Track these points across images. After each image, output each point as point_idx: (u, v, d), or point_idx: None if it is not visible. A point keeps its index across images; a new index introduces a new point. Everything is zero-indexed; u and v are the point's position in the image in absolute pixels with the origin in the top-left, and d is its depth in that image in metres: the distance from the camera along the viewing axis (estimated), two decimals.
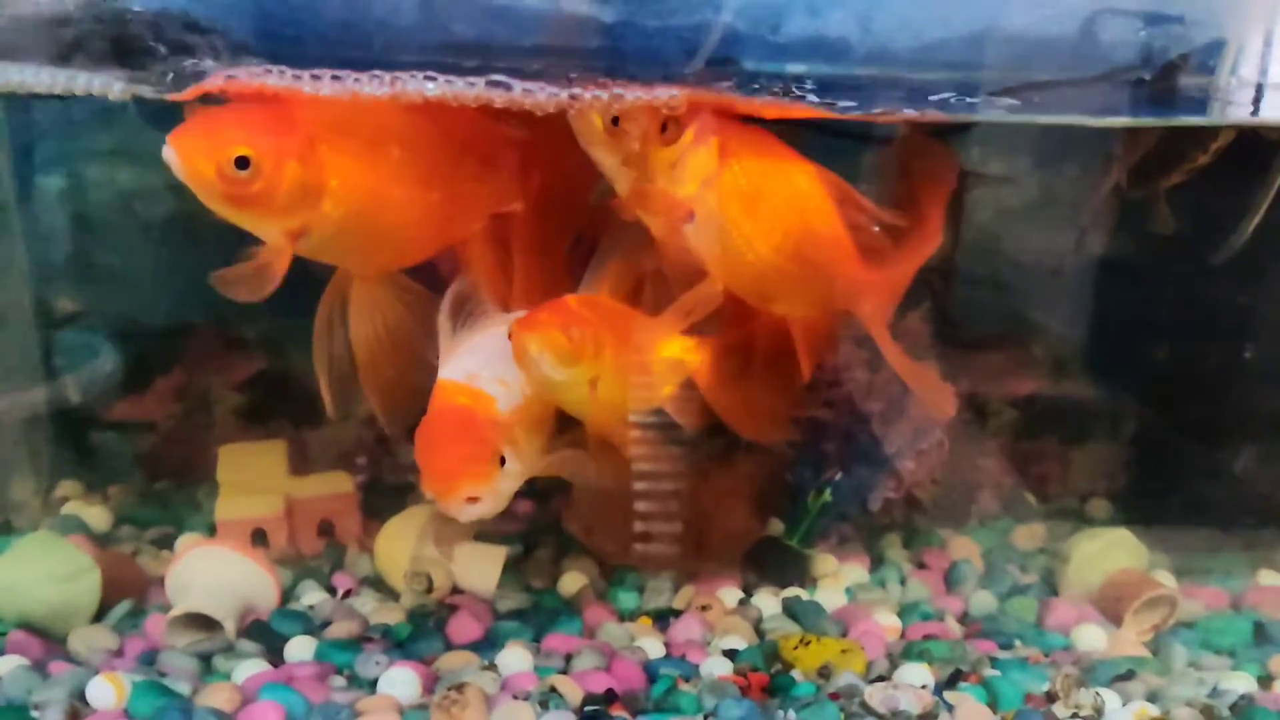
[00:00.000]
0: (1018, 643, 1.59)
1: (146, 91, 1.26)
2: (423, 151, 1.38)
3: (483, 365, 1.38)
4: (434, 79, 1.20)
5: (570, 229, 1.60)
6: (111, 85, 1.27)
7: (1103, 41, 1.31)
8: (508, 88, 1.20)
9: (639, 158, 1.31)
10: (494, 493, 1.33)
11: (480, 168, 1.46)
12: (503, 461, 1.32)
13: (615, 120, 1.31)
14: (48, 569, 1.50)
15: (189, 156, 1.18)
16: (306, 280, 1.44)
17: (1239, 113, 1.43)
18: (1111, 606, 1.65)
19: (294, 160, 1.23)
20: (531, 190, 1.52)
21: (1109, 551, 1.71)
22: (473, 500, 1.32)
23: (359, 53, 1.22)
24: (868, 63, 1.30)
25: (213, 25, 1.30)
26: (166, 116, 1.27)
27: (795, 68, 1.31)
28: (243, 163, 1.20)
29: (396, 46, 1.23)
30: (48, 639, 1.48)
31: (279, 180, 1.23)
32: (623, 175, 1.36)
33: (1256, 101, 1.42)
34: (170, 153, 1.18)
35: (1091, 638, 1.60)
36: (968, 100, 1.33)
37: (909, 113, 1.35)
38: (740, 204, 1.37)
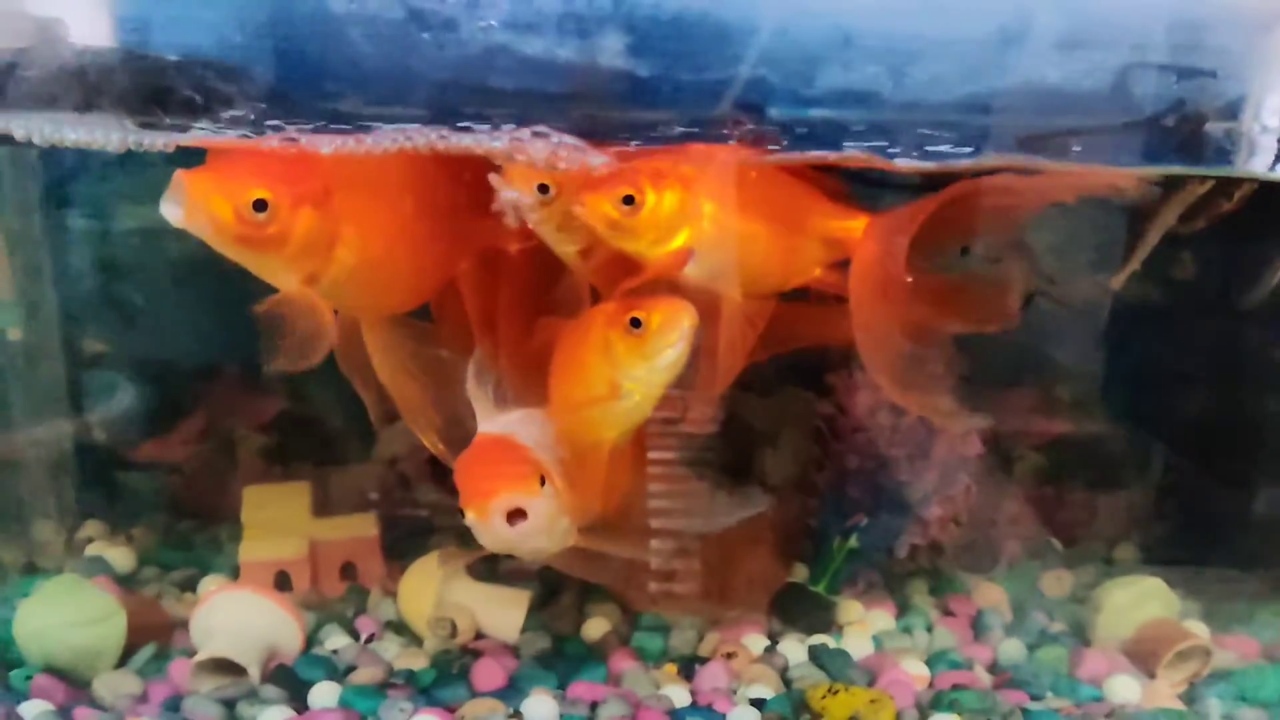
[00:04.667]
0: (1049, 694, 1.56)
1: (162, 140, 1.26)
2: (429, 193, 1.37)
3: (519, 429, 1.37)
4: (468, 129, 1.20)
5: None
6: (138, 137, 1.27)
7: (1133, 94, 1.31)
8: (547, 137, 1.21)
9: (610, 234, 1.27)
10: (537, 512, 1.25)
11: (475, 204, 1.41)
12: (543, 483, 1.27)
13: (543, 188, 1.28)
14: (73, 613, 1.50)
15: (205, 197, 1.17)
16: None
17: (1263, 163, 1.43)
18: (1144, 657, 1.62)
19: (309, 207, 1.23)
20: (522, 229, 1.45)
21: (1141, 601, 1.69)
22: (516, 517, 1.24)
23: (394, 104, 1.23)
24: (901, 113, 1.31)
25: (246, 74, 1.32)
26: (198, 160, 1.28)
27: (821, 113, 1.31)
28: (260, 206, 1.19)
29: (432, 95, 1.24)
30: (72, 683, 1.47)
31: (294, 225, 1.22)
32: (563, 242, 1.34)
33: None
34: (181, 192, 1.16)
35: (1125, 689, 1.57)
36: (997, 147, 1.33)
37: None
38: (729, 219, 1.32)
